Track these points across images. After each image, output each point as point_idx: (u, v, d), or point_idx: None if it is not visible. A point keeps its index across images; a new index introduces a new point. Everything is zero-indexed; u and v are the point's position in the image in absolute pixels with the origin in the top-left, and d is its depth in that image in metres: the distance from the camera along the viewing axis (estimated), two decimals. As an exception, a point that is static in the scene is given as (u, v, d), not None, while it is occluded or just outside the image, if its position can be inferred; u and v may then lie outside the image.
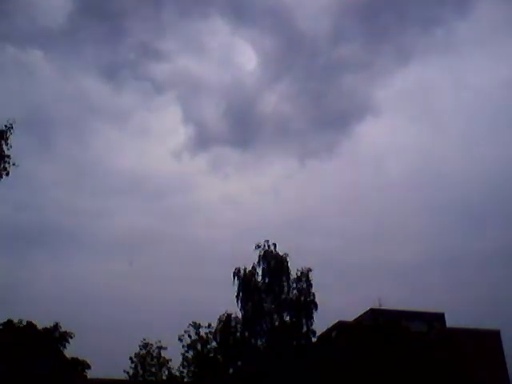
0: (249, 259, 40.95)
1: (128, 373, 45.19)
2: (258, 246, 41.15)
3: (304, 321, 39.75)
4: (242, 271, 40.87)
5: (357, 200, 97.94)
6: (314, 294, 40.36)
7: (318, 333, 40.75)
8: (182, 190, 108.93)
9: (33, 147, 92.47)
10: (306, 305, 39.96)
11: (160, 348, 45.95)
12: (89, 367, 41.75)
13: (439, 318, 46.10)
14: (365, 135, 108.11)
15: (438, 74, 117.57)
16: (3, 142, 20.58)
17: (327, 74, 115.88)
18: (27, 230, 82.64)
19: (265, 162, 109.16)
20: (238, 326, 40.81)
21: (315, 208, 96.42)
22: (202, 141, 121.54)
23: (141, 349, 45.88)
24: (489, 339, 43.63)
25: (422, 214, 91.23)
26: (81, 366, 41.39)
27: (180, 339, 44.35)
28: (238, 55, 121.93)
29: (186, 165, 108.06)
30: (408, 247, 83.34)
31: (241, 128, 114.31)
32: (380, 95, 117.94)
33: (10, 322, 39.38)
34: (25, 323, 39.70)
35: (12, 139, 20.71)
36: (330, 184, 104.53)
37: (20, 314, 40.46)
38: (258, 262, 41.00)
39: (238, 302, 40.20)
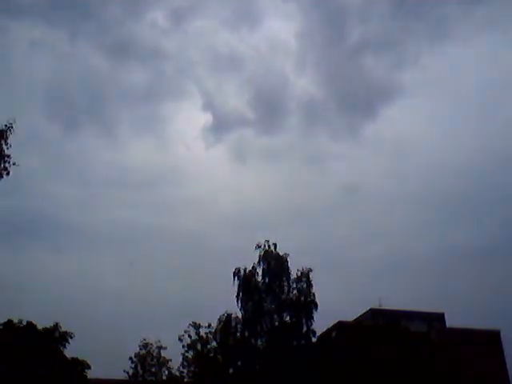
0: (249, 259, 41.09)
1: (128, 373, 45.27)
2: (259, 246, 41.25)
3: (304, 321, 39.70)
4: (242, 271, 40.90)
5: (366, 195, 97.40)
6: (314, 294, 40.35)
7: (318, 333, 40.72)
8: (183, 185, 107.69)
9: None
10: (306, 305, 39.91)
11: (160, 348, 45.99)
12: (89, 367, 41.62)
13: (439, 318, 46.11)
14: (391, 120, 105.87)
15: (475, 56, 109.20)
16: (3, 142, 20.50)
17: (356, 55, 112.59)
18: (22, 223, 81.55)
19: (287, 148, 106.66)
20: (238, 326, 40.78)
21: (319, 205, 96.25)
22: (221, 127, 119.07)
23: (141, 349, 45.93)
24: (489, 339, 43.54)
25: (423, 211, 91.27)
26: (81, 366, 41.25)
27: (180, 339, 44.38)
28: (272, 33, 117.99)
29: (201, 155, 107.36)
30: (408, 247, 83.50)
31: (266, 111, 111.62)
32: (410, 77, 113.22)
33: (10, 322, 39.30)
34: (25, 323, 39.64)
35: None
36: (348, 175, 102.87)
37: (20, 314, 40.52)
38: (259, 261, 41.06)
39: (238, 302, 40.24)
